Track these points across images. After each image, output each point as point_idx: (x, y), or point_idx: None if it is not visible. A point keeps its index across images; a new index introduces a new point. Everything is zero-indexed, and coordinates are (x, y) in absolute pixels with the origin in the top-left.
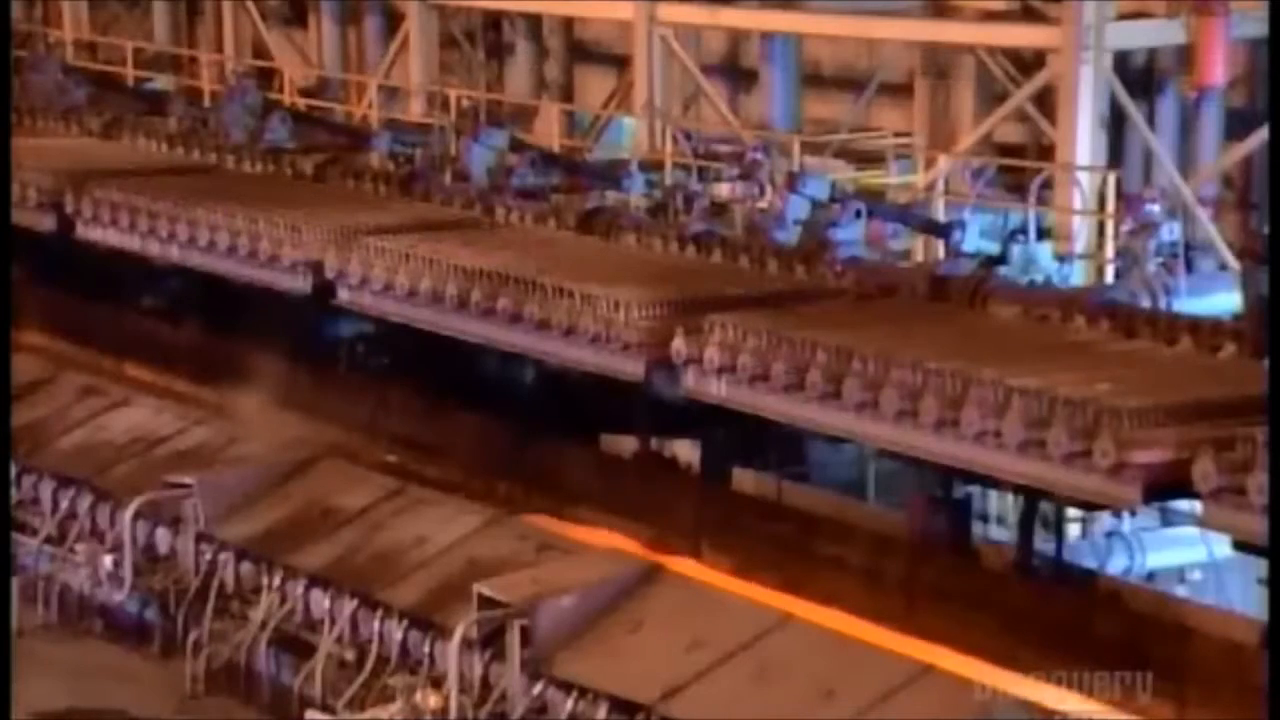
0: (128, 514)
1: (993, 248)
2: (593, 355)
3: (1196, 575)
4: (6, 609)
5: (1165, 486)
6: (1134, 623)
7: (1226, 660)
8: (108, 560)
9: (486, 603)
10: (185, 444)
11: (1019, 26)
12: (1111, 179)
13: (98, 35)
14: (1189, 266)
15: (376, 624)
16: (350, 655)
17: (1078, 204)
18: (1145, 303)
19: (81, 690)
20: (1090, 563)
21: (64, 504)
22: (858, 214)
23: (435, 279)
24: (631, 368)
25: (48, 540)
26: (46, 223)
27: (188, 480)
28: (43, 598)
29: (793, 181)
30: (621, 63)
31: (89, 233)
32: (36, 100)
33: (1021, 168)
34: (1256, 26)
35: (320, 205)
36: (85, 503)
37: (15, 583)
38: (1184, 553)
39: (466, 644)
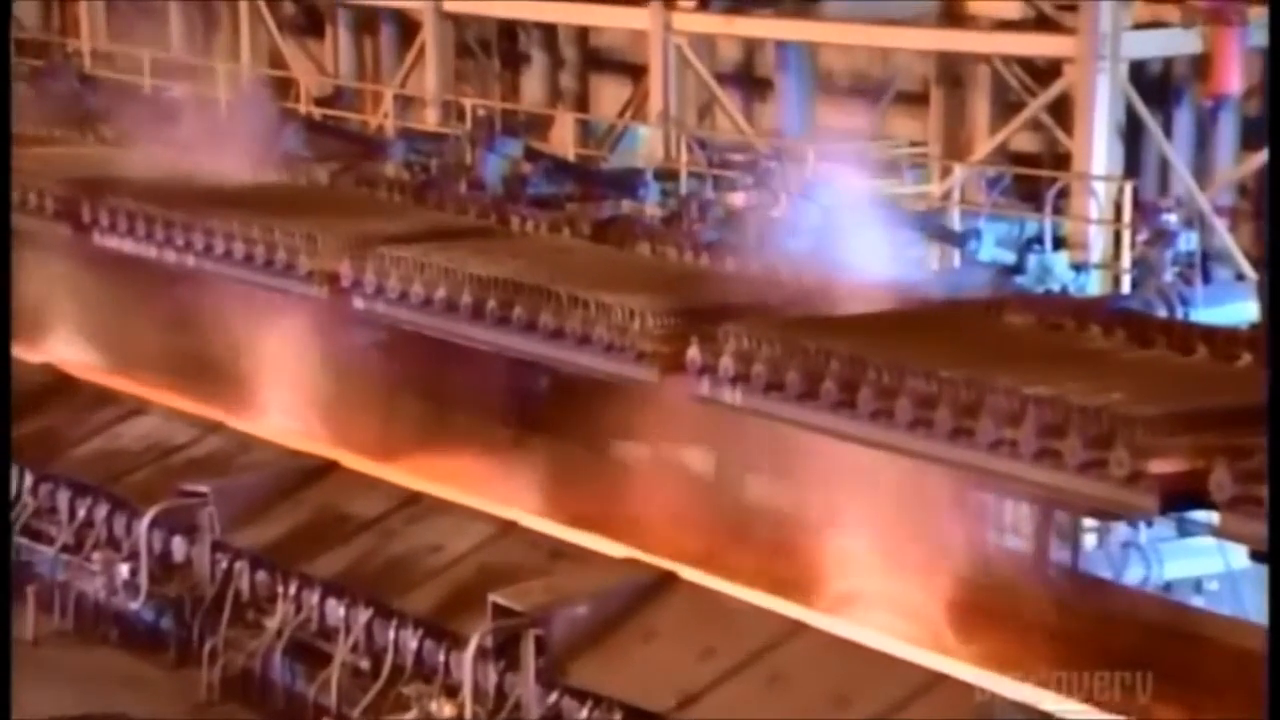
0: (144, 522)
1: (1008, 257)
2: (607, 363)
3: (1214, 586)
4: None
5: (1182, 496)
6: (1151, 633)
7: (1243, 670)
8: (124, 568)
9: (501, 611)
10: (200, 452)
11: (1034, 35)
12: (1128, 188)
13: (114, 44)
14: (1205, 276)
15: (391, 633)
16: (365, 664)
17: (1093, 213)
18: (1161, 312)
19: (96, 697)
20: (1106, 573)
21: (81, 512)
22: None
23: (450, 287)
24: (645, 376)
25: (64, 549)
26: (62, 232)
27: (203, 488)
28: (59, 606)
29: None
30: (636, 72)
31: (105, 241)
32: (52, 109)
33: (1037, 177)
34: None
35: (335, 214)
36: (102, 511)
37: (31, 590)
38: (1201, 563)
39: (481, 653)
